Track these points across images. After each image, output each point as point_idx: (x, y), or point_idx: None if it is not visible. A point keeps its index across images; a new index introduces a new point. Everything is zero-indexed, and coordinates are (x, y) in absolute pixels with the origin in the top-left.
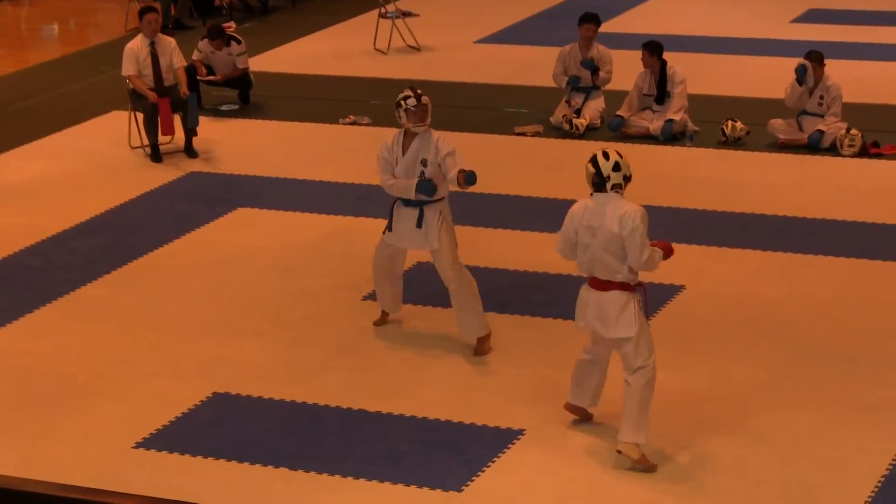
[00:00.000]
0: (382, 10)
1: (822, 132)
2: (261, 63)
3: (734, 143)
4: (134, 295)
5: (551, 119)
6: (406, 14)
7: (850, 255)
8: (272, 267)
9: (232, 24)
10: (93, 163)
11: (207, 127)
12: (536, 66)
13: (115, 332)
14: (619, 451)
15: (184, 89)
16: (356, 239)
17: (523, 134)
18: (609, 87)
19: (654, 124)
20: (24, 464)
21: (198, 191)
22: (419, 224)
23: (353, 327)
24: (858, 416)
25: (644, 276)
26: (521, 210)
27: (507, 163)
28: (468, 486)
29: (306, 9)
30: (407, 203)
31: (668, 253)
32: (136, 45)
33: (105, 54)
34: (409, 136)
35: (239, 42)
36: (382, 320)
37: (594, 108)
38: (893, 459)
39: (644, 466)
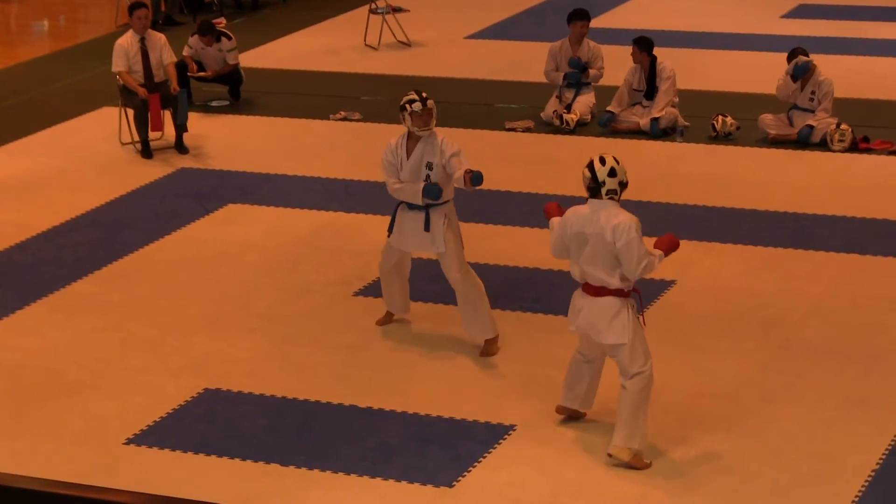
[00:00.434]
0: (373, 5)
1: (812, 127)
2: (251, 59)
3: (724, 138)
4: (124, 291)
5: (542, 114)
6: (396, 10)
7: (841, 250)
8: (263, 263)
9: (222, 20)
10: (83, 159)
11: (198, 123)
12: (527, 62)
13: (105, 329)
14: (610, 455)
15: (174, 85)
16: (347, 235)
17: (514, 129)
18: (599, 82)
19: (644, 120)
20: (14, 460)
21: (188, 187)
22: (426, 227)
23: (343, 323)
24: (849, 411)
25: None
26: (512, 206)
27: (497, 158)
28: (459, 481)
29: (296, 5)
30: (412, 206)
31: (673, 247)
32: (126, 42)
33: (95, 50)
34: (412, 139)
35: (229, 38)
36: (386, 320)
37: (585, 103)
38: (884, 454)
39: (637, 466)
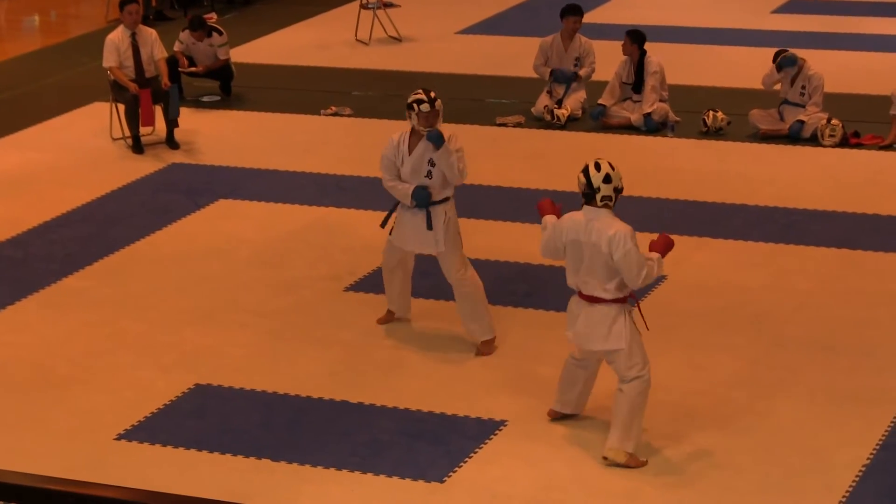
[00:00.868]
0: (364, 0)
1: (802, 122)
2: (242, 54)
3: (715, 133)
4: (115, 286)
5: (533, 109)
6: (387, 5)
7: (831, 245)
8: (254, 258)
9: (213, 16)
10: (74, 154)
11: (189, 118)
12: (518, 57)
13: (96, 324)
14: (605, 458)
15: (165, 80)
16: (338, 230)
17: (505, 124)
18: (591, 78)
19: (636, 115)
20: (4, 455)
21: (179, 182)
22: (429, 226)
23: (334, 318)
24: (840, 406)
25: None
26: (503, 201)
27: (488, 153)
28: (450, 476)
29: (287, 0)
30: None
31: (668, 248)
32: (117, 37)
33: (86, 46)
34: (415, 135)
35: (220, 33)
36: (387, 318)
37: (576, 98)
38: (875, 448)
39: (632, 465)
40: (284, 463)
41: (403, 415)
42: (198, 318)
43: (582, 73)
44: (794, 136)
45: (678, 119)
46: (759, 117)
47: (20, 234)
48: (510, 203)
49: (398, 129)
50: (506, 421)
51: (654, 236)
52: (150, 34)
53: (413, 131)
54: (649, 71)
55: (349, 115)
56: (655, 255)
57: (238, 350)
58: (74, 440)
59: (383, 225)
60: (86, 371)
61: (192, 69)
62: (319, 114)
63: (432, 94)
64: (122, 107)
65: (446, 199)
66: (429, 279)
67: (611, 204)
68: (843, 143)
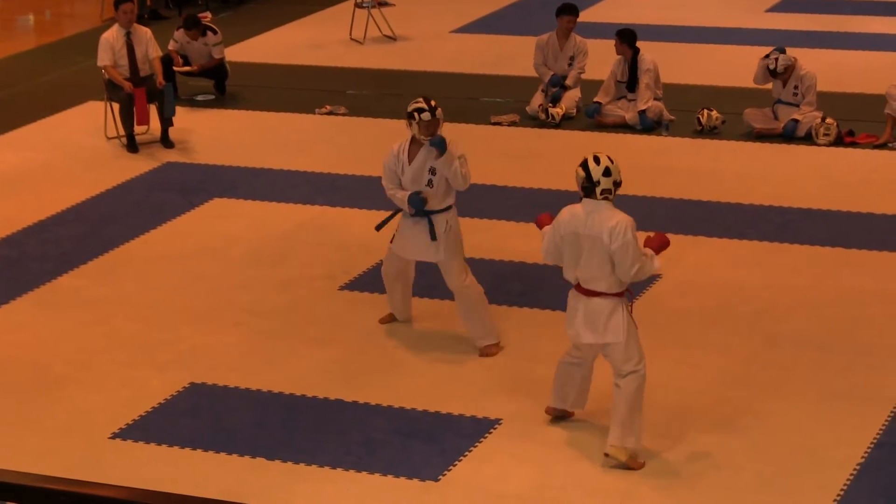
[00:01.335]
0: None
1: (797, 121)
2: (237, 53)
3: (710, 132)
4: (110, 285)
5: (527, 108)
6: (382, 4)
7: (826, 244)
8: (248, 257)
9: (208, 15)
10: (68, 153)
11: (183, 117)
12: (513, 56)
13: (91, 323)
14: (606, 454)
15: (160, 79)
16: (332, 229)
17: (499, 123)
18: (585, 76)
19: (631, 114)
20: None
21: (174, 181)
22: (433, 236)
23: (329, 317)
24: (834, 405)
25: None
26: (497, 200)
27: (482, 152)
28: (445, 475)
29: None
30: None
31: (663, 246)
32: (112, 36)
33: (80, 44)
34: (415, 143)
35: (215, 32)
36: (389, 319)
37: (571, 97)
38: (869, 447)
39: (633, 466)
40: (279, 462)
41: (398, 413)
42: (192, 317)
43: (569, 81)
44: (789, 135)
45: (673, 118)
46: (753, 116)
47: (14, 233)
48: (505, 202)
49: (393, 128)
50: (501, 420)
51: (650, 234)
52: (144, 33)
53: (413, 140)
54: (643, 69)
55: (344, 114)
56: (650, 251)
57: (233, 349)
58: (69, 439)
59: (379, 228)
60: (80, 370)
61: (187, 68)
62: (314, 113)
63: (433, 103)
64: (116, 106)
65: (448, 208)
66: (423, 278)
67: (610, 197)
68: (838, 141)
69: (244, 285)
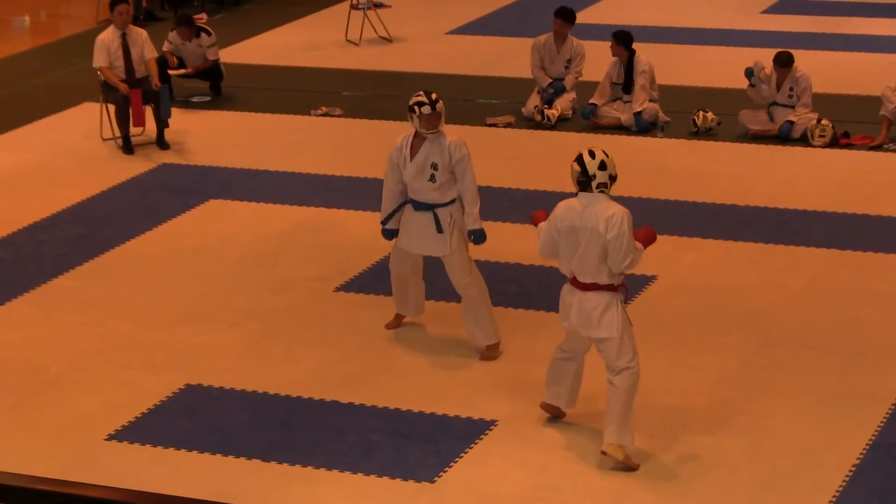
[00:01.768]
0: (354, 1)
1: (792, 123)
2: (232, 55)
3: (705, 133)
4: (106, 287)
5: (523, 110)
6: (378, 5)
7: (821, 245)
8: (244, 258)
9: (203, 16)
10: (64, 154)
11: (179, 118)
12: (508, 57)
13: (87, 324)
14: (604, 452)
15: (155, 81)
16: (328, 230)
17: (495, 125)
18: (581, 78)
19: (626, 115)
20: None
21: (169, 182)
22: (438, 228)
23: (325, 318)
24: (829, 406)
25: None
26: (493, 201)
27: (478, 153)
28: (440, 476)
29: (277, 0)
30: (418, 206)
31: (650, 240)
32: (108, 37)
33: (76, 46)
34: (418, 139)
35: (209, 33)
36: (395, 323)
37: (566, 99)
38: (864, 448)
39: (627, 466)
40: (275, 463)
41: (394, 415)
42: (188, 319)
43: (566, 83)
44: (784, 137)
45: (668, 119)
46: (748, 118)
47: (10, 234)
48: (501, 203)
49: (388, 130)
50: (496, 421)
51: (654, 232)
52: (140, 34)
53: (416, 134)
54: (638, 70)
55: (339, 116)
56: (639, 245)
57: (229, 350)
58: (65, 440)
59: (384, 222)
60: (76, 371)
61: (182, 71)
62: (310, 114)
63: (433, 96)
64: (112, 107)
65: (452, 202)
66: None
67: (606, 190)
68: (833, 143)
69: (240, 286)
